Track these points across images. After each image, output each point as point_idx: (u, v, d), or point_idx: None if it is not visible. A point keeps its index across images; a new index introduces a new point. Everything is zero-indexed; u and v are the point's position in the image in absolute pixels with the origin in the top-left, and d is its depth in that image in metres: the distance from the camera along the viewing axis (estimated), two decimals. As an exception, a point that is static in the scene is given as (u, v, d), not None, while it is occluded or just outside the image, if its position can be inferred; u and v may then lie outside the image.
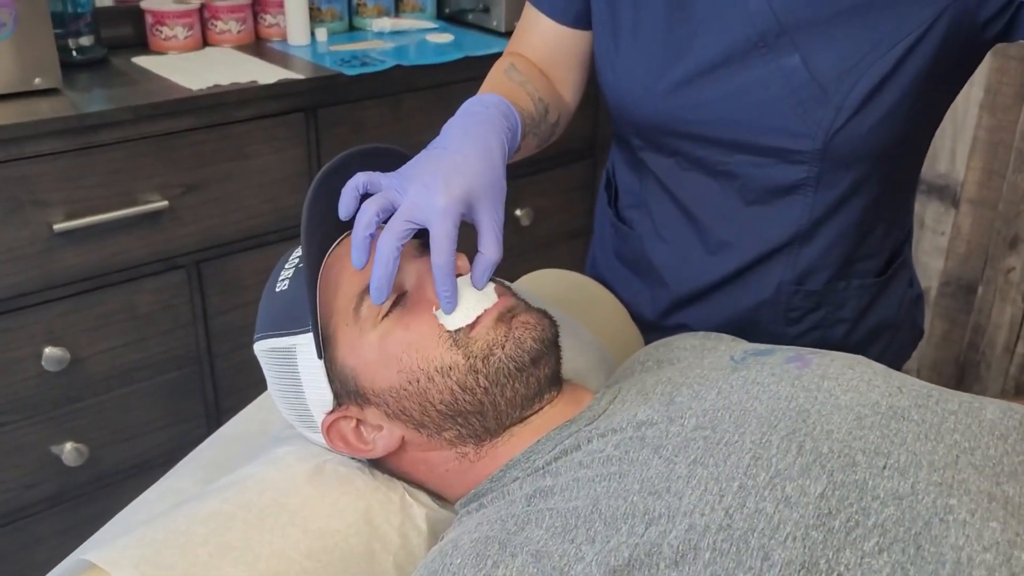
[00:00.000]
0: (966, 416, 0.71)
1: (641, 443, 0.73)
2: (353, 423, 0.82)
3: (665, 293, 1.11)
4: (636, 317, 1.17)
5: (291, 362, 0.82)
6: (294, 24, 1.85)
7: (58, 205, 1.44)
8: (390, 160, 0.82)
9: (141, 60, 1.72)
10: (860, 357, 0.81)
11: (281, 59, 1.76)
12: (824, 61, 0.91)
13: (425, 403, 0.79)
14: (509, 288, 0.85)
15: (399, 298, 0.80)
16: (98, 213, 1.47)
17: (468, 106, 0.85)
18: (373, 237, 0.75)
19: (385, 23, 1.98)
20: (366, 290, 0.78)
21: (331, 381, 0.81)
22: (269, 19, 1.88)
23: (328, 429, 0.82)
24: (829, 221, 1.00)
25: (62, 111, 1.43)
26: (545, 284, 1.20)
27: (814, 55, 0.91)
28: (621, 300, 1.18)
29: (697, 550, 0.63)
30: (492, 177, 0.78)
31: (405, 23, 2.02)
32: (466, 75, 1.77)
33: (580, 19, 1.06)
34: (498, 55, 1.10)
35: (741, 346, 0.90)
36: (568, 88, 1.10)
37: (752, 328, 1.06)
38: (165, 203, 1.54)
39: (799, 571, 0.60)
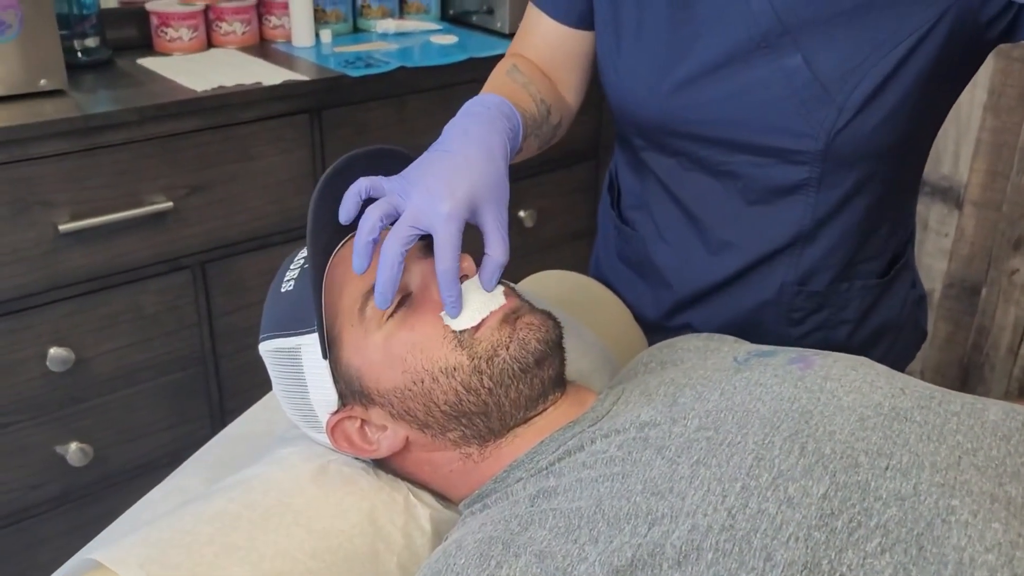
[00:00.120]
0: (969, 417, 0.71)
1: (644, 444, 0.73)
2: (358, 423, 0.83)
3: (668, 294, 1.11)
4: (639, 318, 1.17)
5: (296, 362, 0.82)
6: (298, 25, 1.86)
7: (63, 206, 1.45)
8: (394, 161, 0.82)
9: (146, 61, 1.72)
10: (863, 358, 0.81)
11: (285, 60, 1.76)
12: (826, 61, 0.91)
13: (429, 404, 0.80)
14: (514, 289, 0.85)
15: (404, 299, 0.81)
16: (103, 214, 1.48)
17: (469, 106, 0.85)
18: (376, 242, 0.75)
19: (389, 24, 1.99)
20: (371, 291, 0.79)
21: (336, 381, 0.81)
22: (274, 20, 1.89)
23: (333, 429, 0.83)
24: (831, 222, 1.00)
25: (67, 112, 1.43)
26: (548, 285, 1.20)
27: (816, 55, 0.91)
28: (624, 301, 1.18)
29: (700, 550, 0.63)
30: (495, 179, 0.78)
31: (409, 24, 2.02)
32: (470, 76, 1.77)
33: (583, 20, 1.06)
34: (502, 56, 1.10)
35: (744, 347, 0.90)
36: (570, 90, 1.10)
37: (755, 329, 1.06)
38: (170, 204, 1.54)
39: (801, 571, 0.60)
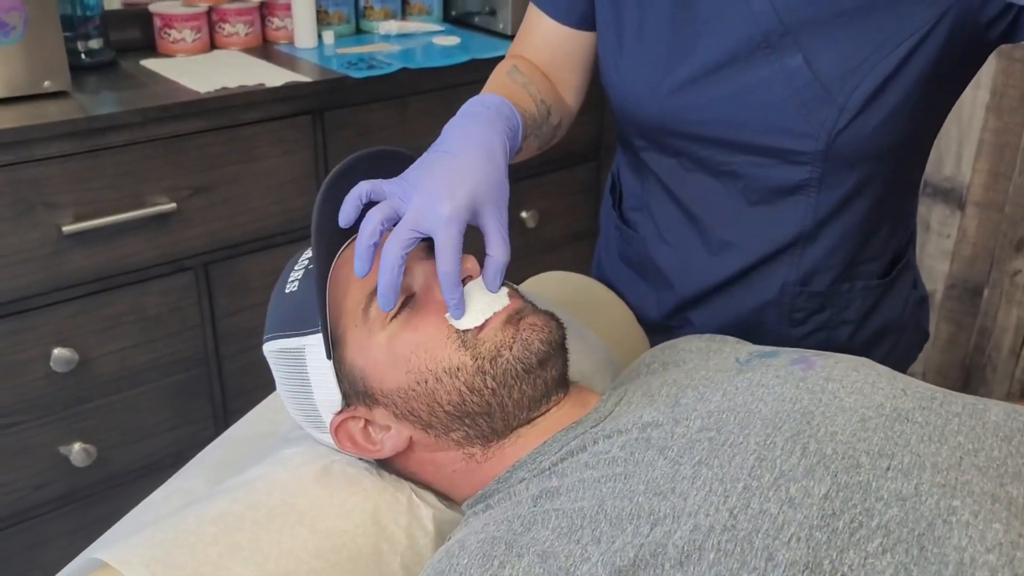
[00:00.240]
0: (970, 418, 0.72)
1: (646, 444, 0.73)
2: (361, 423, 0.83)
3: (670, 295, 1.11)
4: (641, 319, 1.17)
5: (300, 363, 0.82)
6: (301, 27, 1.86)
7: (67, 207, 1.45)
8: (398, 163, 0.82)
9: (149, 63, 1.73)
10: (864, 359, 0.81)
11: (288, 62, 1.77)
12: (827, 61, 0.91)
13: (433, 404, 0.80)
14: (517, 290, 0.86)
15: (407, 299, 0.81)
16: (107, 215, 1.48)
17: (469, 106, 0.85)
18: (377, 246, 0.75)
19: (392, 26, 1.99)
20: (375, 291, 0.79)
21: (340, 382, 0.82)
22: (276, 22, 1.89)
23: (336, 429, 0.83)
24: (833, 222, 1.01)
25: (71, 114, 1.44)
26: (550, 286, 1.21)
27: (817, 55, 0.91)
28: (626, 302, 1.19)
29: (702, 550, 0.63)
30: (495, 179, 0.78)
31: (412, 26, 2.02)
32: (472, 78, 1.77)
33: (584, 20, 1.07)
34: (504, 58, 1.10)
35: (746, 348, 0.90)
36: (570, 91, 1.10)
37: (757, 329, 1.07)
38: (173, 205, 1.54)
39: (803, 571, 0.61)
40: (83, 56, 1.67)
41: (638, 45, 1.00)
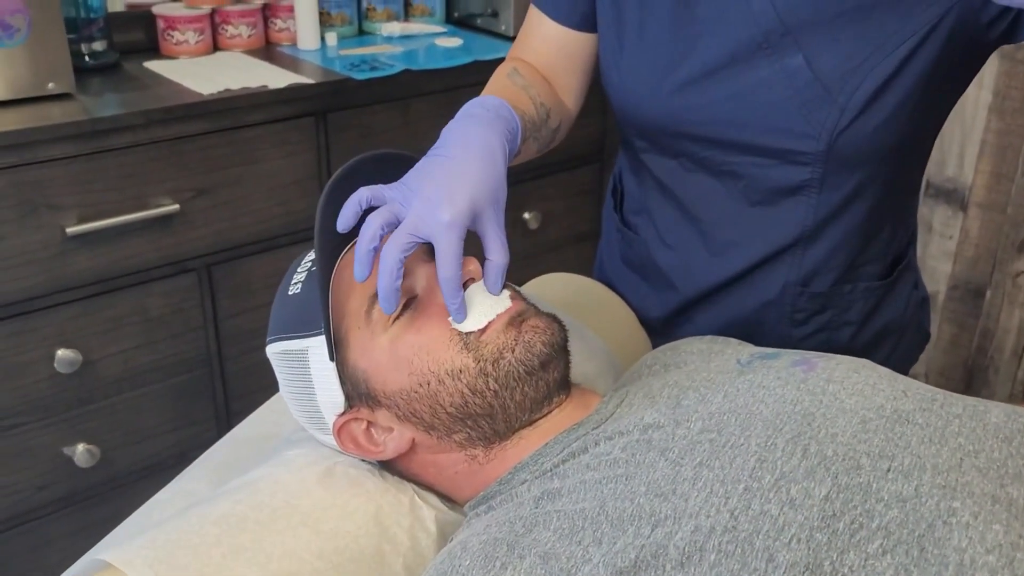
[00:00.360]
0: (971, 420, 0.72)
1: (648, 446, 0.73)
2: (364, 425, 0.83)
3: (673, 296, 1.12)
4: (643, 320, 1.18)
5: (303, 364, 0.83)
6: (304, 29, 1.86)
7: (71, 209, 1.46)
8: (401, 165, 0.82)
9: (153, 65, 1.73)
10: (865, 361, 0.81)
11: (291, 63, 1.77)
12: (828, 61, 0.91)
13: (435, 405, 0.80)
14: (519, 293, 0.86)
15: (410, 301, 0.81)
16: (110, 217, 1.49)
17: (468, 108, 0.85)
18: (377, 250, 0.75)
19: (394, 27, 1.99)
20: (377, 294, 0.79)
21: (343, 383, 0.82)
22: (279, 24, 1.89)
23: (339, 431, 0.83)
24: (834, 222, 1.01)
25: (75, 115, 1.44)
26: (553, 288, 1.21)
27: (818, 55, 0.91)
28: (628, 304, 1.19)
29: (703, 551, 0.63)
30: (495, 183, 0.78)
31: (414, 27, 2.03)
32: (475, 79, 1.77)
33: (585, 21, 1.07)
34: (506, 60, 1.11)
35: (748, 350, 0.90)
36: (570, 94, 1.10)
37: (758, 329, 1.07)
38: (176, 207, 1.55)
39: (803, 573, 0.61)
40: (87, 58, 1.67)
41: (639, 45, 1.01)
